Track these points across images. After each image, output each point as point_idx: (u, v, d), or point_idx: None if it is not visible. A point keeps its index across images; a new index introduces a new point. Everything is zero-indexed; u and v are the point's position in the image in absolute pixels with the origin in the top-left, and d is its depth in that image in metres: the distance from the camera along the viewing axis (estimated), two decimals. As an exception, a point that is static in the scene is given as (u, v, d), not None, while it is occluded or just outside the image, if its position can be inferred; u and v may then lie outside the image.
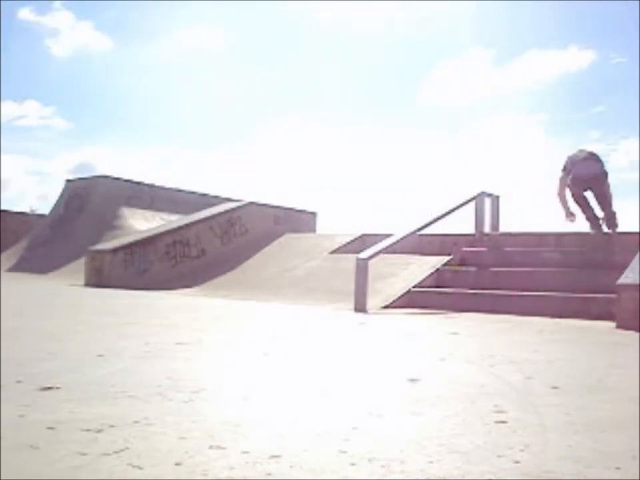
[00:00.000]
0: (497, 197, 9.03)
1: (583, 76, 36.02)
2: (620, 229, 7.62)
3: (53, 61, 39.60)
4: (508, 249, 8.09)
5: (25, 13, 41.69)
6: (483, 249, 8.26)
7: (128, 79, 40.50)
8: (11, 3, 35.79)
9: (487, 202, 8.88)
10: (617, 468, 1.33)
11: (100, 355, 2.66)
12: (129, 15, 38.80)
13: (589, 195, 7.61)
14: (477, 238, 8.65)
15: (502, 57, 38.93)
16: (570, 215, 7.79)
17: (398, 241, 7.35)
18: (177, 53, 38.39)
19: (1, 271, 11.62)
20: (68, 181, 14.70)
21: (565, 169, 7.64)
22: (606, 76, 34.70)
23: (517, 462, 1.35)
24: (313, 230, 13.01)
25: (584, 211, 7.63)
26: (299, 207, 13.03)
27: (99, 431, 1.47)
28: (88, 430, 1.48)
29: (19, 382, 2.02)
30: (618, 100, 35.19)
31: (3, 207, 15.92)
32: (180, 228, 10.59)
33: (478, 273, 7.50)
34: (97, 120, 43.47)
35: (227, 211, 11.35)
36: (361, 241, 9.56)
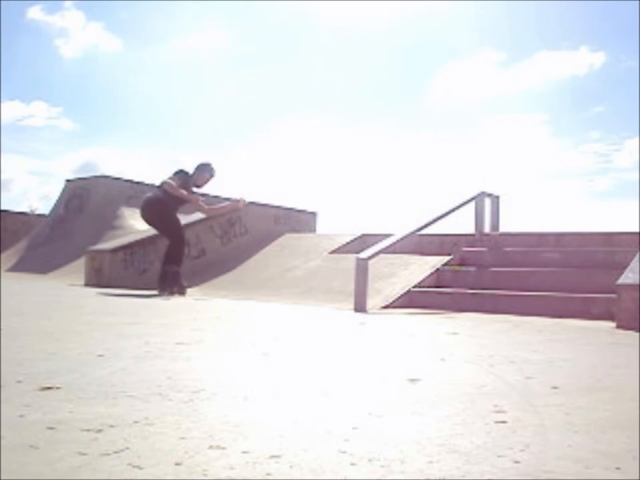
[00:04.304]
0: (497, 197, 9.04)
1: (586, 76, 35.98)
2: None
3: (61, 61, 39.57)
4: (508, 248, 8.09)
5: (35, 12, 41.60)
6: (483, 249, 8.26)
7: (133, 80, 40.52)
8: (20, 2, 35.69)
9: (487, 202, 8.89)
10: (617, 468, 1.33)
11: (100, 355, 2.66)
12: (140, 15, 38.72)
13: None
14: (476, 238, 8.65)
15: (508, 58, 38.88)
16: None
17: (398, 241, 7.35)
18: (181, 53, 38.42)
19: (1, 271, 11.61)
20: (68, 180, 14.69)
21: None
22: (611, 77, 34.66)
23: (517, 462, 1.35)
24: (313, 230, 12.99)
25: None
26: (299, 207, 13.02)
27: (99, 430, 1.47)
28: (88, 430, 1.48)
29: (18, 382, 2.02)
30: (621, 100, 35.16)
31: (6, 207, 15.94)
32: (180, 228, 10.57)
33: (478, 273, 7.50)
34: (103, 120, 43.54)
35: (227, 211, 11.33)
36: (361, 241, 9.56)
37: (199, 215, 11.17)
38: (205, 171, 8.71)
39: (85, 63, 40.23)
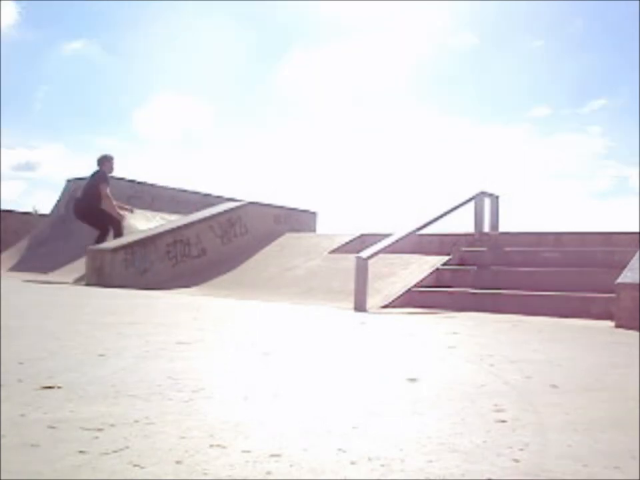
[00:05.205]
0: (497, 197, 9.05)
1: (586, 74, 35.96)
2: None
3: (61, 59, 39.54)
4: (508, 248, 8.10)
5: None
6: (482, 248, 8.27)
7: (134, 79, 40.49)
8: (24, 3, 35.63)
9: (487, 202, 8.90)
10: (616, 467, 1.34)
11: (101, 355, 2.67)
12: (140, 15, 38.65)
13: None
14: (476, 238, 8.66)
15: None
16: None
17: (397, 241, 7.36)
18: (182, 52, 38.35)
19: (2, 270, 11.62)
20: (68, 180, 14.70)
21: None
22: (611, 75, 34.64)
23: (517, 461, 1.36)
24: (313, 230, 13.00)
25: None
26: (299, 207, 13.03)
27: (100, 430, 1.48)
28: (88, 429, 1.48)
29: (19, 381, 2.03)
30: (621, 99, 35.14)
31: (7, 207, 15.95)
32: (180, 227, 10.59)
33: (478, 273, 7.51)
34: (104, 120, 43.49)
35: (227, 211, 11.35)
36: (361, 241, 9.56)
37: (197, 215, 11.20)
38: (109, 161, 10.63)
39: (86, 63, 40.33)
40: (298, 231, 11.90)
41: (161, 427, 1.53)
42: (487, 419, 1.75)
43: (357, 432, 1.56)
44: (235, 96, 40.98)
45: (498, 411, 1.85)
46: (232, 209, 11.48)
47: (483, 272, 7.50)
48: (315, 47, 38.88)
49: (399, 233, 7.52)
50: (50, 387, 1.94)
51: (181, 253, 10.29)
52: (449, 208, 8.20)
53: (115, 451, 1.31)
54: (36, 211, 16.57)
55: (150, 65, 39.58)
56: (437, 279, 7.54)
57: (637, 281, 5.00)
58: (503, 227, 9.02)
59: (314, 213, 13.40)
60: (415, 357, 3.15)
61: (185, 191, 15.19)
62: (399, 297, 6.99)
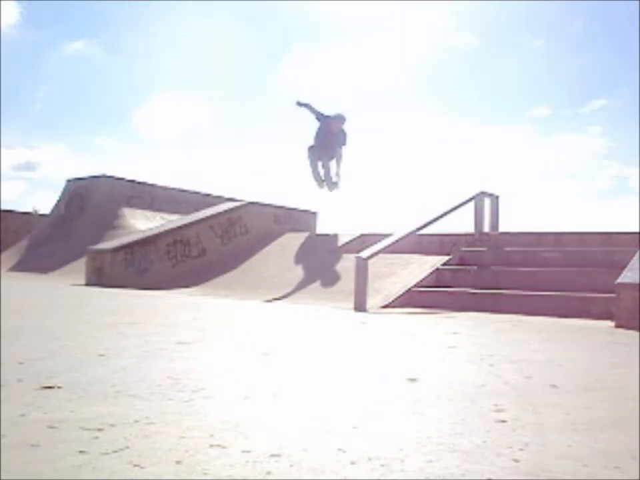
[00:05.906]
0: (497, 197, 9.05)
1: (586, 74, 35.97)
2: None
3: (61, 59, 39.58)
4: (508, 248, 8.10)
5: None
6: (482, 248, 8.27)
7: (134, 79, 40.51)
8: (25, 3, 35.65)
9: (487, 202, 8.90)
10: (616, 467, 1.34)
11: (101, 355, 2.67)
12: (139, 15, 38.65)
13: None
14: (476, 238, 8.66)
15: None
16: None
17: (398, 241, 7.36)
18: (182, 52, 38.37)
19: (2, 270, 11.62)
20: (68, 180, 14.71)
21: None
22: (611, 75, 34.67)
23: (517, 461, 1.36)
24: (313, 229, 13.01)
25: None
26: (299, 207, 13.04)
27: (100, 430, 1.48)
28: (88, 429, 1.48)
29: (19, 381, 2.03)
30: (621, 99, 35.15)
31: (7, 207, 15.98)
32: (180, 227, 10.60)
33: (478, 273, 7.51)
34: (104, 120, 43.48)
35: (227, 211, 11.36)
36: (360, 241, 9.57)
37: (197, 215, 11.22)
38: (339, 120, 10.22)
39: (84, 62, 40.36)
40: (298, 230, 11.91)
41: (161, 427, 1.53)
42: (487, 419, 1.75)
43: (357, 432, 1.56)
44: (235, 96, 40.95)
45: (498, 411, 1.85)
46: (232, 209, 11.48)
47: (483, 272, 7.50)
48: (315, 46, 38.87)
49: (399, 232, 7.52)
50: (50, 387, 1.94)
51: (180, 253, 10.30)
52: (449, 208, 8.20)
53: (115, 451, 1.31)
54: (36, 211, 16.59)
55: (150, 65, 39.61)
56: (436, 279, 7.54)
57: (637, 281, 5.00)
58: (503, 227, 9.03)
59: (314, 213, 13.41)
60: (415, 357, 3.15)
61: (185, 191, 15.21)
62: (399, 297, 6.99)
